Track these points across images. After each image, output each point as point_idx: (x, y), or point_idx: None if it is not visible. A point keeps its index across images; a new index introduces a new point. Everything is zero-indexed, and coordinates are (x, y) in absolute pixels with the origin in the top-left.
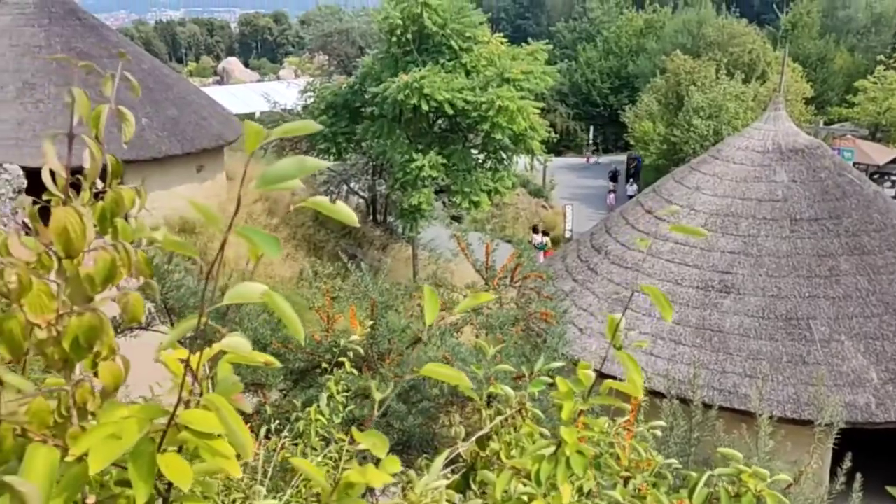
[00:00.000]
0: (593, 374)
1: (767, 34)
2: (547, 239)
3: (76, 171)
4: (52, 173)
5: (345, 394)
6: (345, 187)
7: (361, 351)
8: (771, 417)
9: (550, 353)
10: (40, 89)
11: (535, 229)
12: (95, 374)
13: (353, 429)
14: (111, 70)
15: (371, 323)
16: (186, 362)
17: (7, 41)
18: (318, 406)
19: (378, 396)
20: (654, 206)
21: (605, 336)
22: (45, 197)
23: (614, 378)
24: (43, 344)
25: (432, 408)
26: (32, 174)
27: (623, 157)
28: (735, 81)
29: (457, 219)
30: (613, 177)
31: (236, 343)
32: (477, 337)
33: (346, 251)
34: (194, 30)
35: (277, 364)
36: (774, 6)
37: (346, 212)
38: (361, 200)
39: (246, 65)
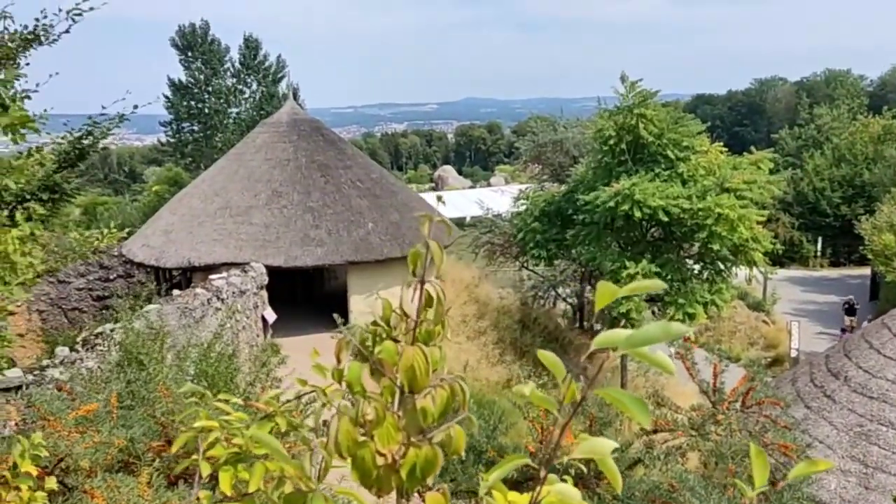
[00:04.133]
0: None
1: None
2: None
3: (286, 271)
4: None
5: None
6: (553, 293)
7: (584, 468)
8: None
9: (793, 492)
10: (286, 196)
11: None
12: (406, 498)
13: None
14: (346, 177)
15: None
16: None
17: (263, 155)
18: None
19: None
20: None
21: (846, 474)
22: (379, 330)
23: None
24: (381, 471)
25: None
26: (273, 272)
27: (862, 271)
28: None
29: None
30: (850, 310)
31: (566, 490)
32: (705, 466)
33: None
34: (415, 141)
35: None
36: None
37: (664, 361)
38: (569, 307)
39: (459, 172)
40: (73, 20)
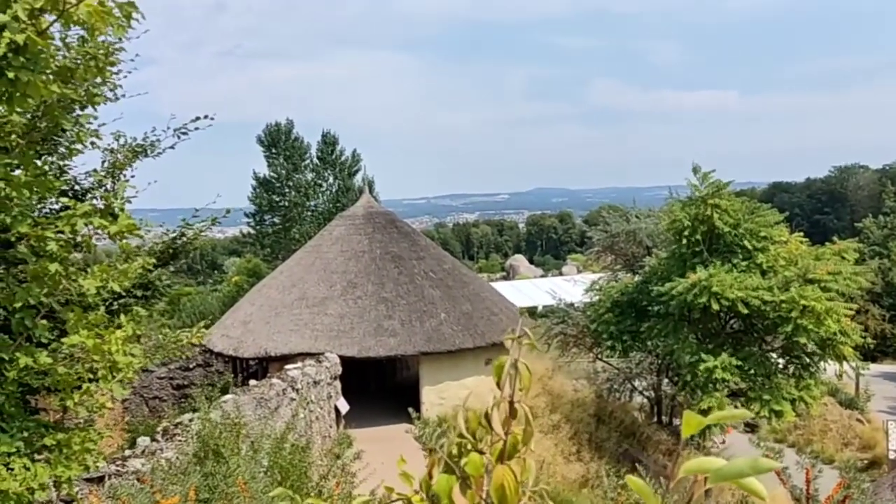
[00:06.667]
0: None
1: None
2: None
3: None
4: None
5: None
6: (629, 386)
7: None
8: None
9: None
10: (360, 287)
11: None
12: None
13: None
14: (419, 268)
15: None
16: None
17: (339, 247)
18: None
19: None
20: None
21: None
22: (465, 443)
23: None
24: None
25: None
26: (347, 362)
27: None
28: None
29: (752, 427)
30: None
31: None
32: None
33: (628, 453)
34: (486, 230)
35: None
36: None
37: (758, 488)
38: (645, 400)
39: (531, 261)
40: (179, 137)
